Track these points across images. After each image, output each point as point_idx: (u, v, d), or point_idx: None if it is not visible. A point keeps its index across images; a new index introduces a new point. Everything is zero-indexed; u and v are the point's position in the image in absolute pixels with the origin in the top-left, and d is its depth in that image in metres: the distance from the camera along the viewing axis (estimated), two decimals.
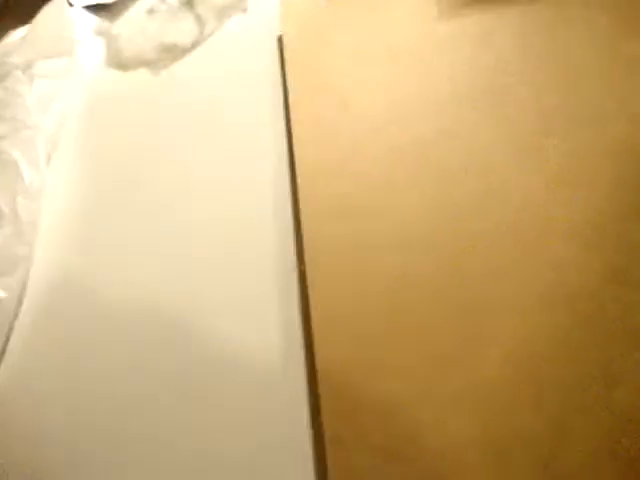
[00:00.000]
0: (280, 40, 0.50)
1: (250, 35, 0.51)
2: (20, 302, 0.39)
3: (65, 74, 0.52)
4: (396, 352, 0.32)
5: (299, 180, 0.39)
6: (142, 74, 0.51)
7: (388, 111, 0.42)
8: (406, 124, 0.41)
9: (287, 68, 0.45)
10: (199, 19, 0.54)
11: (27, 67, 0.52)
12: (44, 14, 0.54)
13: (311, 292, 0.34)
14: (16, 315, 0.38)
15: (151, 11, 0.56)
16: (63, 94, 0.50)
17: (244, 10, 0.53)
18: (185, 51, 0.51)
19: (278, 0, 0.52)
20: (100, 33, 0.57)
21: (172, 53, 0.52)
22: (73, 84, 0.51)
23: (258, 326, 0.34)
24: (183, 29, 0.53)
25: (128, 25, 0.56)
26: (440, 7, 0.48)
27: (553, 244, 0.34)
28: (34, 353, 0.37)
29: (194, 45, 0.52)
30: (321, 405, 0.30)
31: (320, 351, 0.32)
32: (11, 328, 0.37)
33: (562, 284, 0.33)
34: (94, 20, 0.59)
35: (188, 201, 0.42)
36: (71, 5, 0.58)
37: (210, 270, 0.38)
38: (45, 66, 0.52)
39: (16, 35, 0.56)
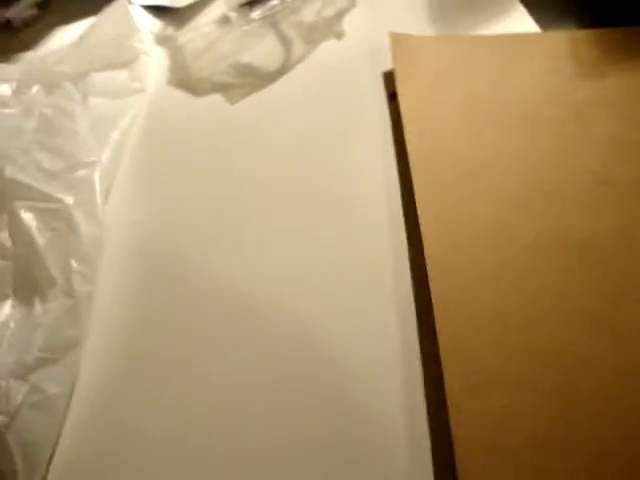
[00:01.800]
0: (387, 77, 0.42)
1: (348, 66, 0.43)
2: (70, 396, 0.31)
3: (124, 92, 0.44)
4: None
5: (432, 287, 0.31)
6: (214, 100, 0.43)
7: (522, 188, 0.35)
8: (546, 218, 0.34)
9: (405, 124, 0.37)
10: (284, 39, 0.45)
11: (79, 79, 0.44)
12: (104, 17, 0.46)
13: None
14: (66, 411, 0.31)
15: (224, 21, 0.47)
16: (121, 119, 0.42)
17: (338, 34, 0.45)
18: (269, 77, 0.43)
19: (379, 28, 0.44)
20: (162, 41, 0.48)
21: (252, 78, 0.43)
22: (132, 105, 0.43)
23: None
24: (265, 49, 0.45)
25: (196, 35, 0.47)
26: (579, 64, 0.40)
27: None
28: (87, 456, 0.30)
29: (280, 71, 0.43)
30: None
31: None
32: (61, 427, 0.30)
33: None
34: (155, 24, 0.50)
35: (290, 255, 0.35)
36: (130, 3, 0.49)
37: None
38: (101, 80, 0.44)
39: (66, 38, 0.48)
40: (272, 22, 0.46)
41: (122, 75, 0.44)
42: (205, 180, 0.39)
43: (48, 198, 0.35)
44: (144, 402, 0.31)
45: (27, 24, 0.52)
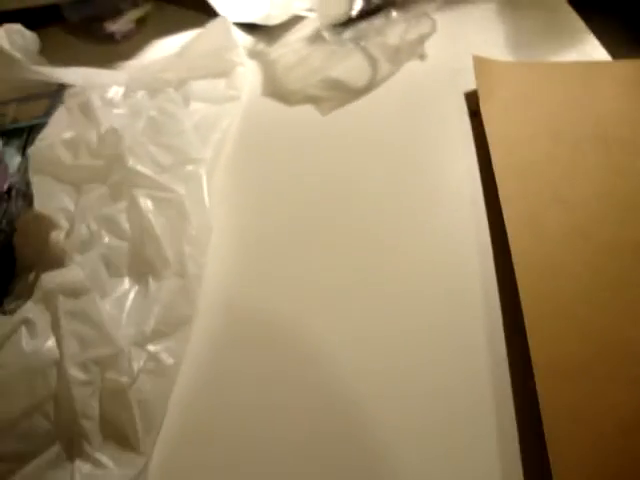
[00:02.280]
0: (468, 97, 0.45)
1: (431, 85, 0.47)
2: (179, 368, 0.34)
3: (221, 99, 0.47)
4: None
5: (518, 277, 0.34)
6: (306, 110, 0.47)
7: (601, 208, 0.37)
8: (620, 224, 0.36)
9: (489, 139, 0.40)
10: (370, 58, 0.49)
11: (181, 85, 0.48)
12: (206, 31, 0.50)
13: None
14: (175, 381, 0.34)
15: (313, 39, 0.51)
16: (221, 123, 0.45)
17: (421, 56, 0.49)
18: (358, 92, 0.47)
19: (459, 52, 0.47)
20: (255, 56, 0.52)
21: (342, 92, 0.47)
22: (229, 111, 0.47)
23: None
24: (353, 67, 0.48)
25: (288, 51, 0.51)
26: None
27: None
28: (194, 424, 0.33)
29: (367, 88, 0.47)
30: None
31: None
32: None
33: None
34: (247, 39, 0.54)
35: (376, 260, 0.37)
36: None
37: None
38: (201, 87, 0.47)
39: (163, 50, 0.53)
40: (359, 42, 0.49)
41: (220, 84, 0.48)
42: (293, 182, 0.42)
43: (163, 187, 0.38)
44: (241, 381, 0.33)
45: (127, 37, 0.56)
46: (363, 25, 0.49)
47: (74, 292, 0.32)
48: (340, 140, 0.44)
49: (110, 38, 0.55)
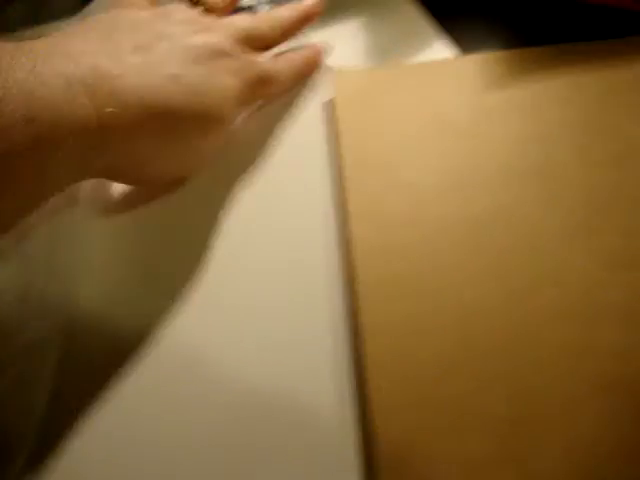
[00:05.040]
0: (327, 107, 0.50)
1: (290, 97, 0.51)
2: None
3: None
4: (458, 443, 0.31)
5: (356, 261, 0.38)
6: None
7: (439, 188, 0.42)
8: (456, 201, 0.41)
9: (341, 141, 0.44)
10: None
11: None
12: None
13: (369, 375, 0.34)
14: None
15: None
16: None
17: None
18: None
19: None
20: None
21: None
22: None
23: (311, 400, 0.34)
24: None
25: None
26: (486, 78, 0.48)
27: (609, 329, 0.34)
28: None
29: None
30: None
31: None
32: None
33: (619, 372, 0.32)
34: None
35: (236, 279, 0.40)
36: None
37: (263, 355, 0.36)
38: None
39: None
40: None
41: None
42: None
43: None
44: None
45: None
46: None
47: None
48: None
49: None
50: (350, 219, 0.40)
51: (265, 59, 0.47)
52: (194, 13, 0.44)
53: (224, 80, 0.40)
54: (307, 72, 0.51)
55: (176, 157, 0.41)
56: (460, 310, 0.36)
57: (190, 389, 0.36)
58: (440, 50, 0.53)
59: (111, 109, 0.33)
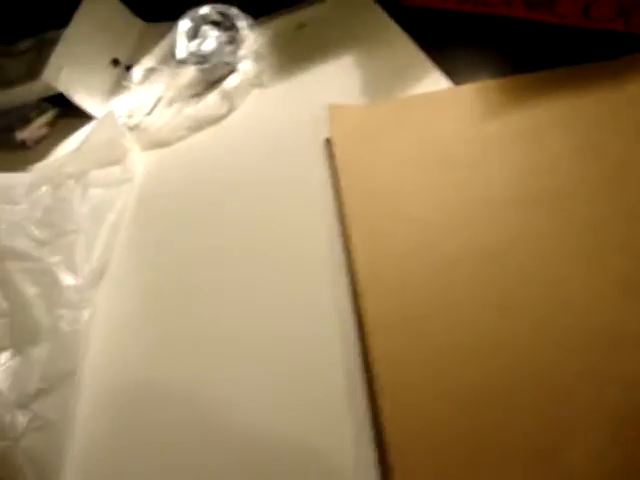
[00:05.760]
0: (328, 143, 0.50)
1: (292, 134, 0.52)
2: (72, 420, 0.38)
3: (116, 183, 0.53)
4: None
5: (360, 293, 0.38)
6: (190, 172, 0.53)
7: (443, 221, 0.41)
8: (462, 233, 0.40)
9: (341, 176, 0.45)
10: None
11: (80, 176, 0.54)
12: (98, 124, 0.57)
13: (381, 403, 0.34)
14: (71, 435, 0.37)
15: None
16: (115, 204, 0.51)
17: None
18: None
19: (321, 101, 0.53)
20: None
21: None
22: (123, 193, 0.52)
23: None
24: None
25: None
26: (483, 106, 0.47)
27: (622, 356, 0.33)
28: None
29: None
30: None
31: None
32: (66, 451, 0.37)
33: (630, 401, 0.31)
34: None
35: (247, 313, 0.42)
36: None
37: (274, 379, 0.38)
38: (98, 175, 0.53)
39: (69, 147, 0.59)
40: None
41: (116, 170, 0.54)
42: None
43: (36, 259, 0.44)
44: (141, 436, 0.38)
45: (38, 142, 0.63)
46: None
47: None
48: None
49: (22, 145, 0.62)
50: (354, 255, 0.41)
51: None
52: None
53: None
54: None
55: None
56: (476, 344, 0.35)
57: (203, 434, 0.37)
58: (433, 82, 0.53)
59: None
